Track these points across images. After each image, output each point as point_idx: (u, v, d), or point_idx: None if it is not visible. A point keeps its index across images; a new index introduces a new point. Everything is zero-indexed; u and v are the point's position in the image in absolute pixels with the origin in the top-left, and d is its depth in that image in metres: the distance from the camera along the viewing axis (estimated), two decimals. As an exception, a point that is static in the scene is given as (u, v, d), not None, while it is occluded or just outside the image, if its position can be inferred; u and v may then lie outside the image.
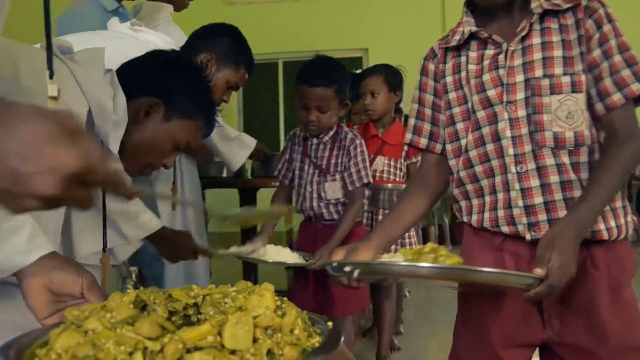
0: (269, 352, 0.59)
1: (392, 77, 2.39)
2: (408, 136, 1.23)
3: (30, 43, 1.09)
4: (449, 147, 1.17)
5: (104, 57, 1.16)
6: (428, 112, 1.21)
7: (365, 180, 1.94)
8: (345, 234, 1.89)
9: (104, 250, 1.29)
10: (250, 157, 2.80)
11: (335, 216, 1.99)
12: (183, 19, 2.73)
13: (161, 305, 0.65)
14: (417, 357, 2.78)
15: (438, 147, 1.20)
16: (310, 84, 1.91)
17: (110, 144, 1.13)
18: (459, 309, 1.19)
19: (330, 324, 0.71)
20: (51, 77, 0.81)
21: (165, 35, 1.88)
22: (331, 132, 1.99)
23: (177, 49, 1.75)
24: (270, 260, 1.78)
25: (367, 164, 1.97)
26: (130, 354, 0.54)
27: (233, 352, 0.57)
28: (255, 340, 0.60)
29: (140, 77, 1.22)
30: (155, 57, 1.28)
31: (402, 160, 2.42)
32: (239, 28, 1.97)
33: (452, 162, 1.16)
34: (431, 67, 1.20)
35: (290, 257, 1.82)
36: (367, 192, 2.00)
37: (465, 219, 1.15)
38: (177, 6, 2.52)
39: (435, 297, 3.84)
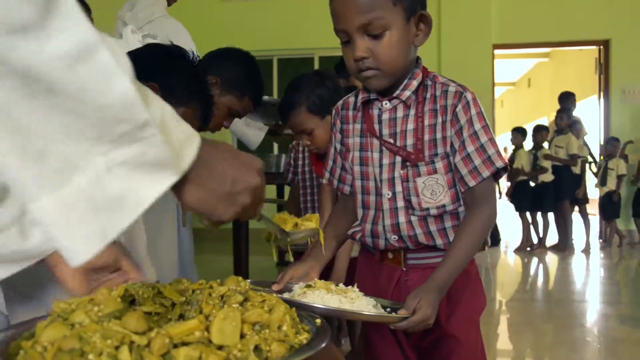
0: (256, 348, 0.59)
1: (314, 101, 1.72)
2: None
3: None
4: None
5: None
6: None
7: (500, 164, 1.08)
8: (463, 265, 1.08)
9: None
10: None
11: (440, 242, 1.14)
12: (179, 15, 2.72)
13: (149, 302, 0.65)
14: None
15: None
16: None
17: None
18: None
19: (318, 321, 0.71)
20: None
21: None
22: (414, 83, 1.12)
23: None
24: (330, 308, 0.91)
25: (492, 134, 1.10)
26: (117, 348, 0.54)
27: (220, 347, 0.57)
28: (242, 336, 0.60)
29: (137, 65, 1.24)
30: (152, 48, 1.32)
31: None
32: (245, 48, 1.96)
33: None
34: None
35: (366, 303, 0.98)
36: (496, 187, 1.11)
37: None
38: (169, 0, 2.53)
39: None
